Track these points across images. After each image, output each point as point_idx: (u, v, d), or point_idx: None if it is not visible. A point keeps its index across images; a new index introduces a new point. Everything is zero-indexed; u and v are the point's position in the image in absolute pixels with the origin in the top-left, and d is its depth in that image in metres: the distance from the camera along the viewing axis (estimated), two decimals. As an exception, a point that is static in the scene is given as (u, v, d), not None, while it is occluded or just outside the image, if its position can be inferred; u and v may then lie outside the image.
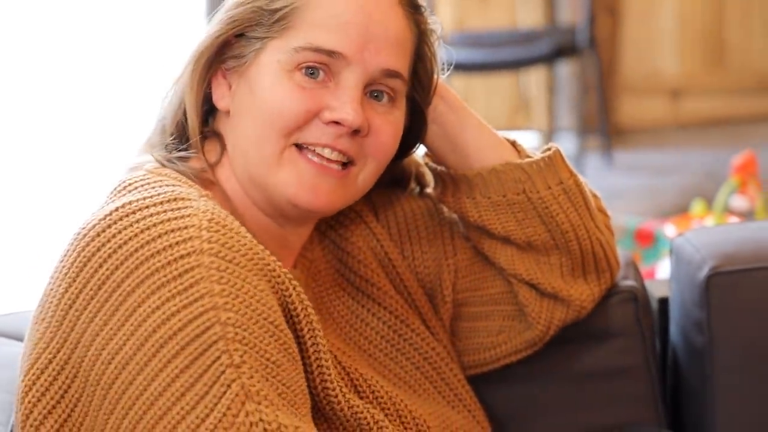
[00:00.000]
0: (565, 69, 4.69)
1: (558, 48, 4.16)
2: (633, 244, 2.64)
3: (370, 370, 1.30)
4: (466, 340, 1.40)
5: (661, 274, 2.39)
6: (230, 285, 1.09)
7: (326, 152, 1.21)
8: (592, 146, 4.48)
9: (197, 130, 1.24)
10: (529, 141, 4.78)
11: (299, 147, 1.22)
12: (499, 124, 4.83)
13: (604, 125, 4.51)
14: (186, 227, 1.11)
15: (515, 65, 4.31)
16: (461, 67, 4.41)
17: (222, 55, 1.24)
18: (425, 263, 1.39)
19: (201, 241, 1.10)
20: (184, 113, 1.25)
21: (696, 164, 4.43)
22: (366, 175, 1.25)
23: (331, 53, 1.20)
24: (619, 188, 4.24)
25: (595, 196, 1.42)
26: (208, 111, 1.27)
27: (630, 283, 1.43)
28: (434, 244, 1.40)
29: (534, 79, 4.76)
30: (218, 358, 1.06)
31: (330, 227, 1.37)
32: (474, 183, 1.34)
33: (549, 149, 1.36)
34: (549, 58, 4.21)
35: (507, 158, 1.34)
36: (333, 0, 1.21)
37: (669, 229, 2.48)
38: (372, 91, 1.23)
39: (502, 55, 4.24)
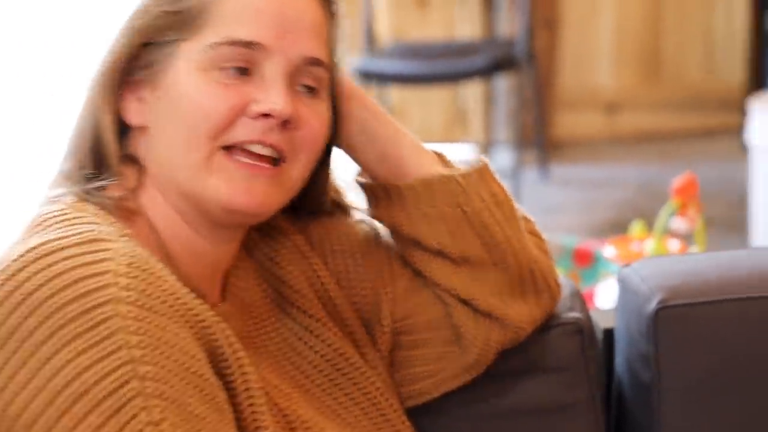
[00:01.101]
0: (503, 82, 4.67)
1: (496, 61, 4.14)
2: (571, 264, 2.61)
3: (308, 410, 1.25)
4: (405, 369, 1.35)
5: (600, 297, 2.37)
6: (148, 335, 1.03)
7: (256, 148, 1.16)
8: (529, 160, 4.47)
9: (116, 154, 1.18)
10: (466, 154, 4.75)
11: (227, 150, 1.16)
12: (435, 136, 4.85)
13: (541, 139, 4.50)
14: (102, 273, 1.05)
15: (453, 78, 4.29)
16: (398, 79, 4.41)
17: (128, 68, 1.18)
18: (363, 292, 1.34)
19: (118, 289, 1.04)
20: (95, 138, 1.18)
21: (631, 179, 4.44)
22: (298, 170, 1.20)
23: (249, 45, 1.15)
24: (555, 203, 4.23)
25: (527, 219, 1.38)
26: (119, 132, 1.20)
27: (575, 314, 1.39)
28: (372, 272, 1.35)
29: (471, 91, 4.74)
30: (136, 415, 1.00)
31: (265, 255, 1.31)
32: (406, 195, 1.29)
33: (478, 162, 1.32)
34: (487, 71, 4.20)
35: (437, 169, 1.29)
36: None
37: (608, 250, 2.45)
38: (296, 84, 1.19)
39: (439, 68, 4.21)
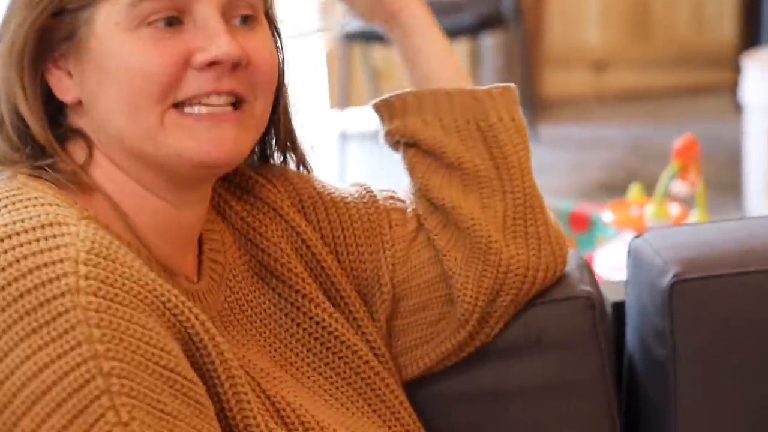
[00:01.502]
0: (489, 40, 4.59)
1: (483, 19, 4.05)
2: (567, 229, 2.54)
3: (298, 393, 1.17)
4: (404, 337, 1.28)
5: (598, 264, 2.29)
6: (113, 328, 0.95)
7: (212, 100, 1.07)
8: (517, 120, 4.38)
9: (47, 137, 1.08)
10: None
11: (178, 106, 1.07)
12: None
13: (529, 98, 4.42)
14: (61, 260, 0.96)
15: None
16: (382, 38, 4.27)
17: (45, 43, 1.07)
18: (361, 258, 1.27)
19: (77, 278, 0.95)
20: (20, 122, 1.08)
21: (620, 138, 4.37)
22: (260, 107, 1.11)
23: None
24: (543, 164, 4.15)
25: None
26: (53, 108, 1.10)
27: (586, 288, 1.31)
28: (371, 237, 1.28)
29: (457, 49, 4.65)
30: (102, 415, 0.92)
31: (246, 223, 1.23)
32: (424, 103, 1.26)
33: (506, 86, 1.29)
34: (473, 30, 4.11)
35: (461, 84, 1.27)
36: None
37: (606, 215, 2.38)
38: (232, 18, 1.09)
39: (425, 26, 4.12)
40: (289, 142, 1.24)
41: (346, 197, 1.29)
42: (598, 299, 1.32)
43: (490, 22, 4.10)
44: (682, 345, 1.29)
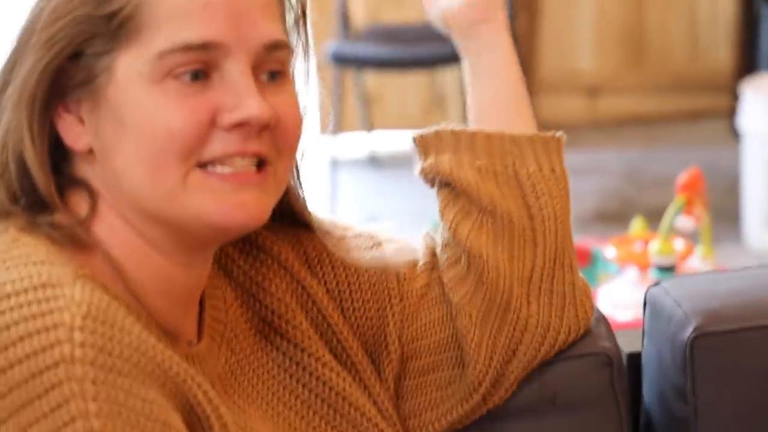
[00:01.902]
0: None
1: (476, 45, 3.99)
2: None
3: None
4: (412, 399, 1.21)
5: (601, 301, 2.23)
6: (110, 401, 0.88)
7: (236, 161, 1.01)
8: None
9: (49, 187, 1.01)
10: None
11: (202, 166, 1.00)
12: (413, 122, 4.72)
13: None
14: (54, 326, 0.90)
15: (432, 62, 4.14)
16: (375, 63, 4.25)
17: (57, 87, 1.00)
18: (368, 315, 1.20)
19: (72, 346, 0.89)
20: (23, 169, 1.01)
21: (615, 165, 4.32)
22: (283, 169, 1.05)
23: (204, 46, 0.99)
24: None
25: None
26: (58, 155, 1.03)
27: (603, 343, 1.25)
28: (377, 292, 1.21)
29: (449, 75, 4.60)
30: None
31: (249, 278, 1.16)
32: (462, 142, 1.20)
33: (552, 133, 1.22)
34: (466, 56, 4.05)
35: (520, 123, 1.21)
36: None
37: (609, 251, 2.32)
38: (260, 74, 1.03)
39: (417, 52, 4.07)
40: (294, 197, 1.17)
41: (352, 249, 1.22)
42: (616, 355, 1.25)
43: (483, 47, 4.04)
44: (704, 402, 1.23)
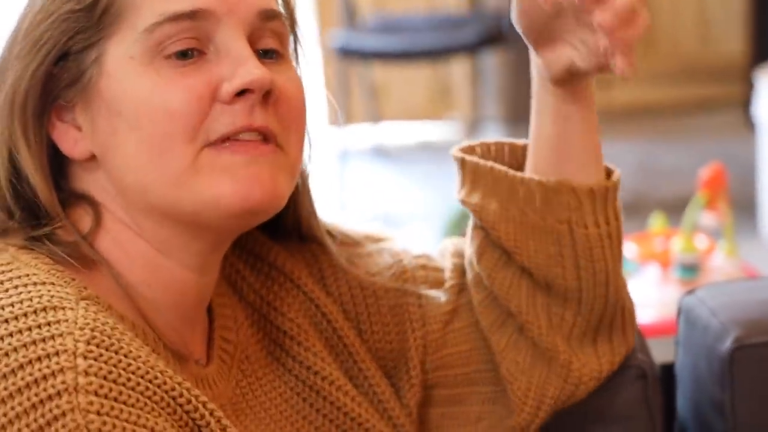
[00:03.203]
0: (490, 57, 4.47)
1: (484, 36, 3.93)
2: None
3: None
4: (440, 428, 1.15)
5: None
6: None
7: (245, 136, 0.94)
8: (521, 137, 4.27)
9: (53, 201, 0.95)
10: (452, 132, 4.56)
11: (211, 145, 0.94)
12: (419, 113, 4.63)
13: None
14: (57, 353, 0.84)
15: (439, 54, 4.08)
16: (381, 56, 4.19)
17: (49, 93, 0.95)
18: (387, 338, 1.13)
19: (75, 374, 0.83)
20: (16, 186, 0.95)
21: (627, 155, 4.25)
22: (293, 151, 0.98)
23: (192, 15, 0.93)
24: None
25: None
26: (53, 170, 0.97)
27: (638, 355, 1.19)
28: (398, 313, 1.14)
29: (456, 66, 4.54)
30: None
31: (260, 297, 1.09)
32: (514, 190, 1.09)
33: (610, 173, 1.12)
34: (475, 47, 3.99)
35: (590, 180, 1.09)
36: None
37: (628, 248, 2.25)
38: (255, 50, 0.96)
39: (424, 43, 4.00)
40: (305, 212, 1.11)
41: (372, 268, 1.15)
42: (650, 368, 1.19)
43: (491, 39, 3.98)
44: (743, 418, 1.17)
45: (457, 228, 2.33)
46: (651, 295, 2.12)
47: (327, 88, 4.39)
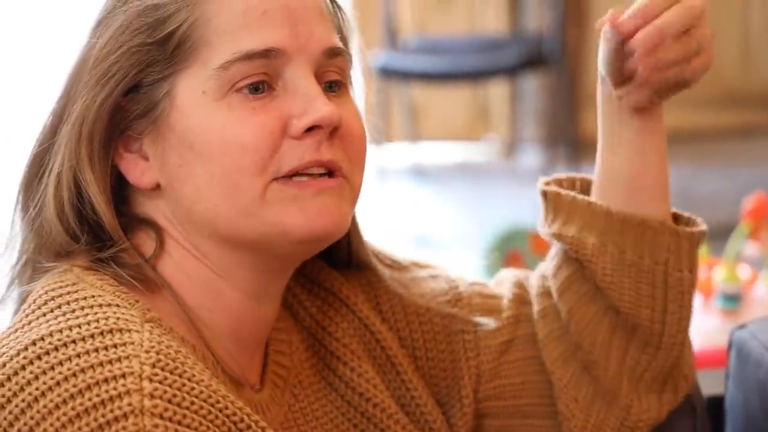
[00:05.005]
0: (530, 80, 4.47)
1: (524, 58, 3.93)
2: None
3: None
4: None
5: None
6: None
7: (313, 171, 0.97)
8: (556, 159, 4.27)
9: (117, 226, 0.96)
10: (490, 152, 4.56)
11: (280, 179, 0.96)
12: (458, 134, 4.63)
13: (571, 139, 4.30)
14: (123, 375, 0.85)
15: (479, 75, 4.08)
16: (422, 76, 4.19)
17: (116, 124, 0.96)
18: (441, 366, 1.13)
19: (141, 397, 0.85)
20: (84, 207, 0.97)
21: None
22: (357, 180, 1.00)
23: (266, 53, 0.95)
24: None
25: None
26: (116, 196, 0.99)
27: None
28: (453, 341, 1.14)
29: (495, 87, 4.54)
30: None
31: (315, 321, 1.10)
32: (613, 226, 1.08)
33: (696, 224, 1.11)
34: (515, 69, 3.99)
35: (663, 215, 1.09)
36: None
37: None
38: (321, 84, 0.98)
39: (464, 64, 4.01)
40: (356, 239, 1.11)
41: (427, 293, 1.15)
42: (700, 402, 1.19)
43: (531, 61, 3.98)
44: (794, 453, 1.16)
45: (497, 251, 2.32)
46: (693, 325, 2.11)
47: (367, 107, 4.41)
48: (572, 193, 1.11)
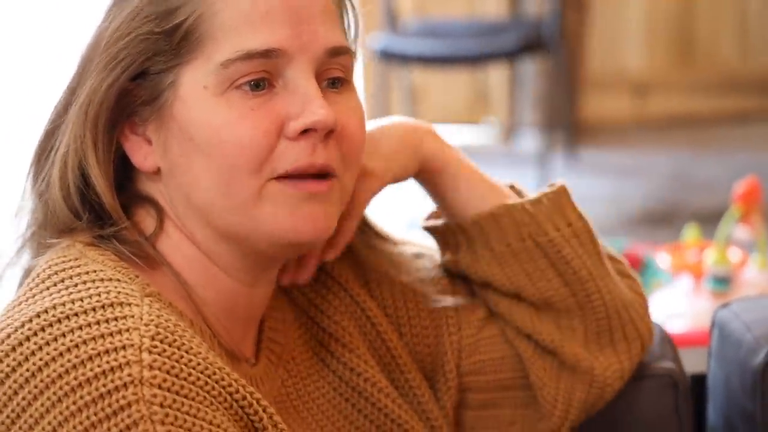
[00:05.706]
0: (529, 64, 4.49)
1: (524, 42, 3.95)
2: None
3: None
4: (473, 430, 1.18)
5: (653, 310, 2.19)
6: (178, 425, 0.87)
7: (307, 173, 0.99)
8: (555, 144, 4.29)
9: (115, 205, 0.99)
10: (488, 136, 4.59)
11: (278, 179, 0.98)
12: (456, 117, 4.64)
13: (569, 123, 4.33)
14: (123, 347, 0.88)
15: (478, 59, 4.10)
16: (421, 60, 4.21)
17: (122, 108, 0.99)
18: (426, 340, 1.17)
19: (141, 368, 0.87)
20: (88, 187, 1.00)
21: (662, 166, 4.27)
22: (348, 181, 1.03)
23: (267, 53, 0.97)
24: (583, 192, 4.05)
25: (615, 259, 1.22)
26: (122, 173, 1.02)
27: (668, 364, 1.22)
28: (436, 317, 1.18)
29: (494, 72, 4.56)
30: None
31: (308, 300, 1.13)
32: (472, 234, 1.15)
33: (553, 185, 1.16)
34: (514, 53, 4.01)
35: (503, 201, 1.15)
36: None
37: (662, 258, 2.28)
38: (323, 81, 1.01)
39: (464, 48, 4.03)
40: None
41: (410, 269, 1.19)
42: (681, 377, 1.22)
43: (530, 45, 4.00)
44: (773, 430, 1.19)
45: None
46: (683, 306, 2.15)
47: (366, 90, 4.43)
48: (430, 223, 1.19)
